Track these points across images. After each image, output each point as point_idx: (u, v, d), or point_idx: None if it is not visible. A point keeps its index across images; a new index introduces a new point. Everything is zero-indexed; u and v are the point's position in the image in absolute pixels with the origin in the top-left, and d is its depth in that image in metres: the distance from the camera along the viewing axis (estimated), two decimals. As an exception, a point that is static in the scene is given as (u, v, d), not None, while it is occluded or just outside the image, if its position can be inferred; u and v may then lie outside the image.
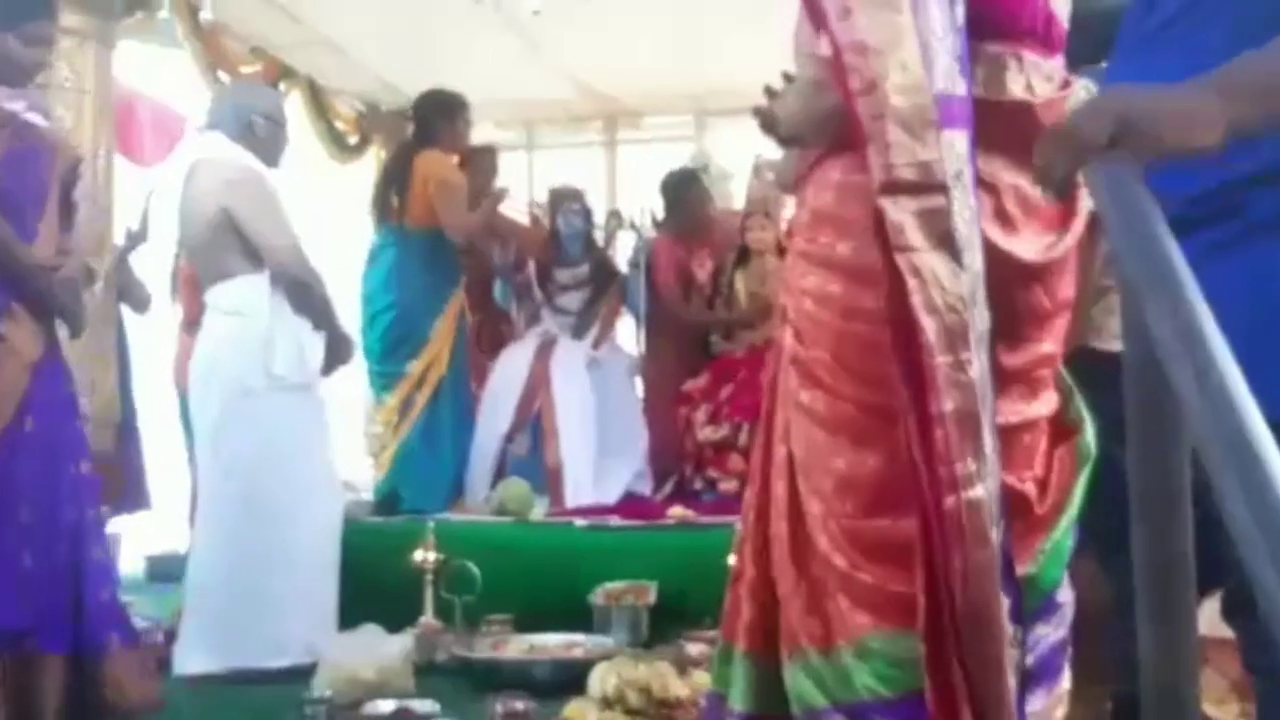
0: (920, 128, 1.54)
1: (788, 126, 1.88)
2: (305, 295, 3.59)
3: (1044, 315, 1.70)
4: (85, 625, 2.79)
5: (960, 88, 1.57)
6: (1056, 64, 1.72)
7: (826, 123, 1.69)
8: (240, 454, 3.53)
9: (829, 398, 1.66)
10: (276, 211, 3.61)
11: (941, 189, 1.52)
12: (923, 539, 1.50)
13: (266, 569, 3.47)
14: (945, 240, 1.52)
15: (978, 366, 1.51)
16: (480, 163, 5.14)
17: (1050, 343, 1.73)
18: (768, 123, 1.95)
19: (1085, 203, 1.76)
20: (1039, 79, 1.67)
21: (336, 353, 3.76)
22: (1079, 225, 1.74)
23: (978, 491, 1.48)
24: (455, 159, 4.81)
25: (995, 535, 1.50)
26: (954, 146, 1.55)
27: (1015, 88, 1.66)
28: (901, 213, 1.52)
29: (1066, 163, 1.02)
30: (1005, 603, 1.52)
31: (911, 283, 1.50)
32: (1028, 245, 1.66)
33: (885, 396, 1.58)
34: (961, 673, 1.48)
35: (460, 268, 4.72)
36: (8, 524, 2.72)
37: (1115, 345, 2.34)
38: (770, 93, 1.96)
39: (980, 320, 1.53)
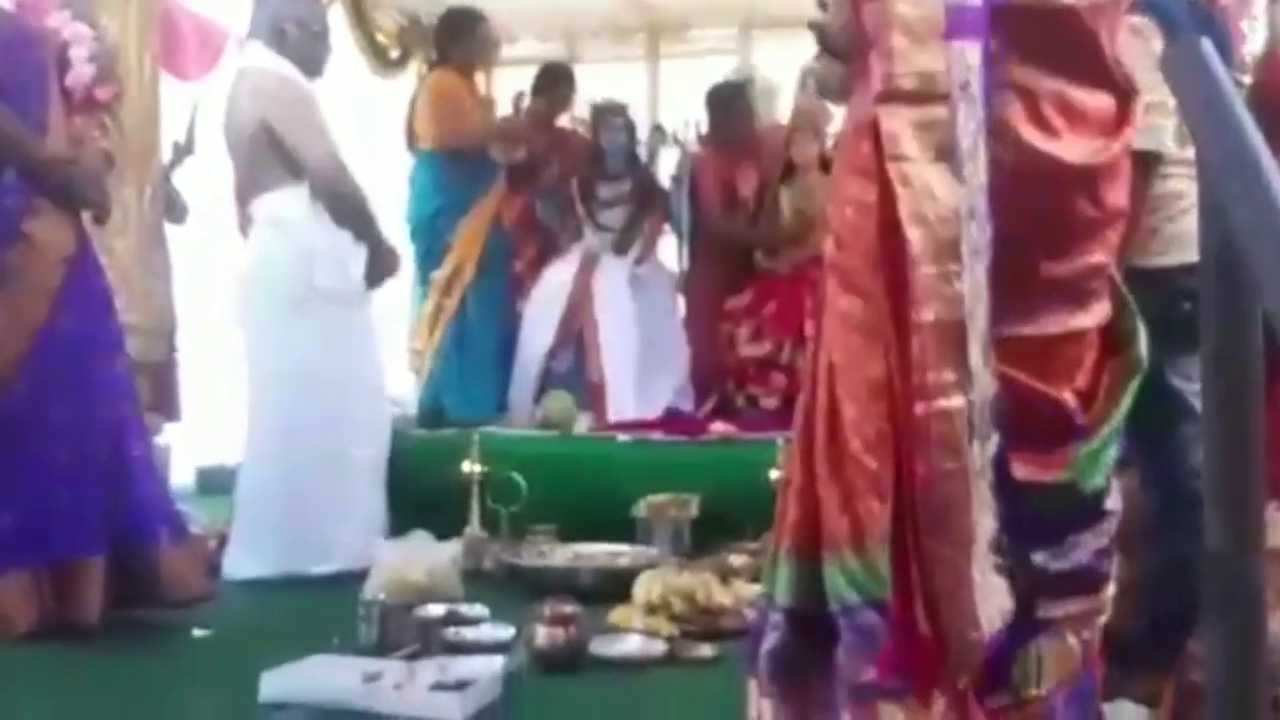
0: (927, 36, 1.53)
1: (834, 39, 1.88)
2: (344, 206, 3.58)
3: (1092, 223, 1.67)
4: (132, 519, 2.83)
5: None
6: None
7: (852, 35, 1.68)
8: (285, 365, 3.56)
9: (865, 305, 1.67)
10: (315, 121, 3.59)
11: (944, 100, 1.52)
12: (893, 442, 1.53)
13: (314, 477, 3.53)
14: (944, 152, 1.52)
15: (969, 279, 1.51)
16: (552, 86, 5.13)
17: (1101, 253, 1.70)
18: (822, 36, 1.95)
19: (1139, 110, 1.74)
20: None
21: (380, 264, 3.74)
22: (1130, 132, 1.71)
23: (953, 402, 1.50)
24: (474, 74, 4.87)
25: (978, 447, 1.51)
26: (964, 57, 1.54)
27: None
28: (897, 121, 1.52)
29: None
30: (992, 509, 1.52)
31: (900, 191, 1.51)
32: (1071, 149, 1.64)
33: None
34: (917, 572, 1.51)
35: (482, 178, 4.76)
36: (42, 428, 2.74)
37: (1156, 261, 2.35)
38: (823, 5, 1.96)
39: (979, 233, 1.53)
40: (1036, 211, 1.57)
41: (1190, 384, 2.42)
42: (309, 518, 3.51)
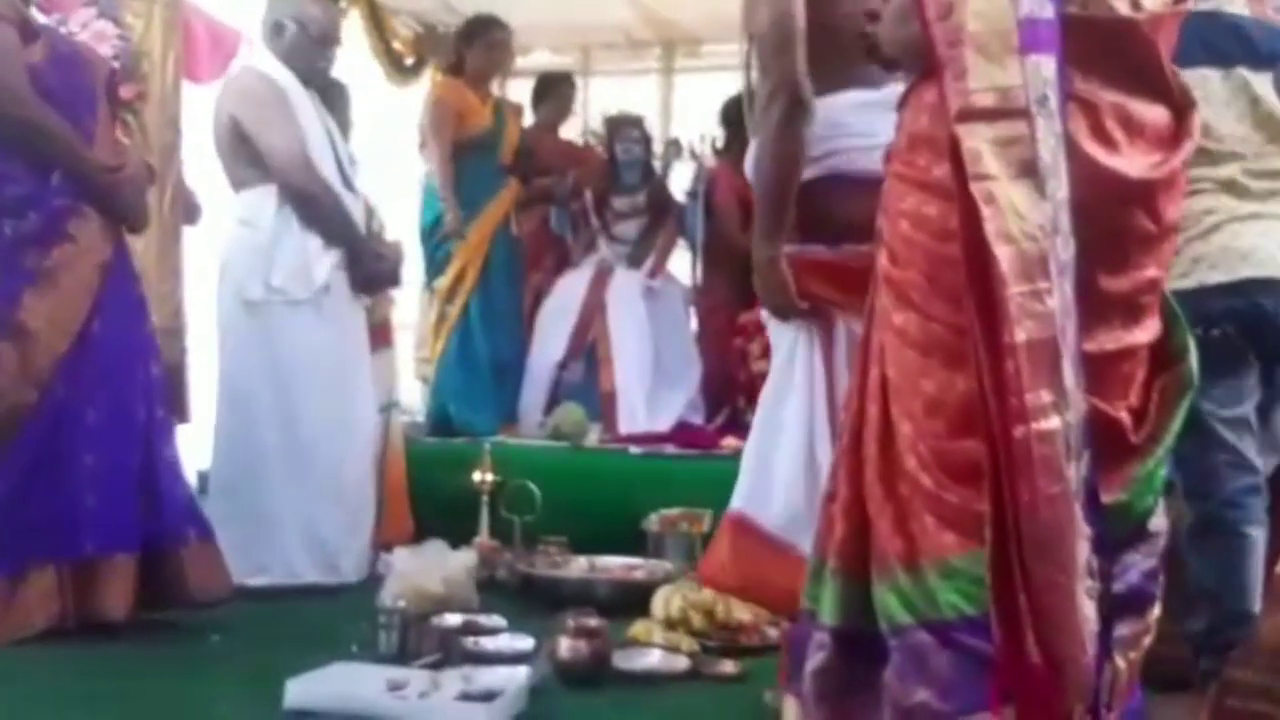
0: (1001, 52, 1.52)
1: (887, 48, 1.89)
2: (310, 207, 3.46)
3: (1149, 238, 1.67)
4: (163, 521, 2.86)
5: (1048, 10, 1.55)
6: None
7: (914, 50, 1.68)
8: (236, 366, 3.48)
9: (921, 319, 1.65)
10: (283, 120, 3.46)
11: (1023, 115, 1.51)
12: (990, 468, 1.49)
13: (257, 485, 3.38)
14: (1027, 168, 1.50)
15: (1058, 296, 1.49)
16: (554, 91, 5.14)
17: (1155, 268, 1.70)
18: (873, 47, 1.96)
19: (1196, 125, 1.74)
20: None
21: (364, 270, 3.59)
22: (1190, 146, 1.71)
23: (1052, 423, 1.47)
24: (485, 81, 4.89)
25: (1074, 468, 1.49)
26: (1040, 71, 1.53)
27: (1119, 4, 1.63)
28: (977, 140, 1.50)
29: None
30: (1086, 533, 1.51)
31: (986, 211, 1.49)
32: (1132, 163, 1.63)
33: None
34: (1026, 600, 1.47)
35: (487, 185, 4.76)
36: (76, 429, 2.77)
37: (1181, 284, 2.32)
38: (872, 17, 1.96)
39: (1064, 249, 1.51)
40: (1097, 226, 1.56)
41: (1220, 409, 2.38)
42: (248, 526, 3.31)
